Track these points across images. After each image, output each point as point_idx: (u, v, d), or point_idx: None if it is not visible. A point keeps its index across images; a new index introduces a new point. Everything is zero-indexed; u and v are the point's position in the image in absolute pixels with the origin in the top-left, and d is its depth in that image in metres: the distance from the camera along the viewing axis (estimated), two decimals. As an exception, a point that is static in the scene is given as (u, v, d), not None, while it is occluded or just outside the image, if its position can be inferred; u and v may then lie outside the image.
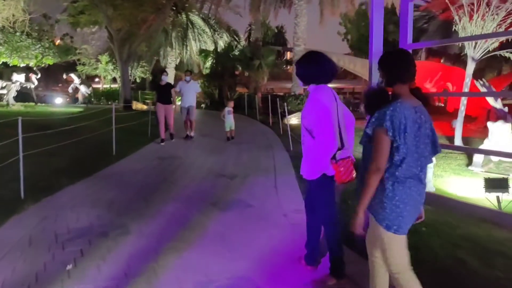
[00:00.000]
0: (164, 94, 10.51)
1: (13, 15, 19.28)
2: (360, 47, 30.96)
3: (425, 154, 2.33)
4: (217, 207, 5.38)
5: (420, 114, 2.28)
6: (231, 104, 11.95)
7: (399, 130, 2.20)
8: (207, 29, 29.79)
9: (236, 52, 26.12)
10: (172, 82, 35.90)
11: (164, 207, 5.33)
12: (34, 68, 23.29)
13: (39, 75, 22.28)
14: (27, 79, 20.84)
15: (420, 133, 2.27)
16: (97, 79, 39.16)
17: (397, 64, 2.37)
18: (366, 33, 30.17)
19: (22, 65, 23.37)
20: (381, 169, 2.26)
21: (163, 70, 11.27)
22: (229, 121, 11.47)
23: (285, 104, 15.79)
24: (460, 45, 26.77)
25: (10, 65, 22.52)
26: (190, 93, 11.19)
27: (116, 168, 7.66)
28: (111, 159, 8.15)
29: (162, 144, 10.31)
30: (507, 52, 10.47)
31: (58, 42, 30.00)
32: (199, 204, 5.48)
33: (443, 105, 23.93)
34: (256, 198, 5.80)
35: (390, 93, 2.40)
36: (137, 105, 23.33)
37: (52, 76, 37.37)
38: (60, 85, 40.99)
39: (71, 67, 31.52)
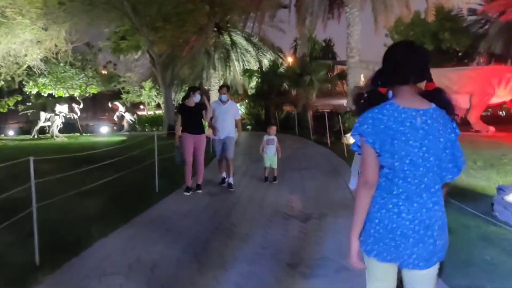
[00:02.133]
0: (194, 119, 7.12)
1: (56, 46, 18.99)
2: (412, 57, 28.72)
3: (434, 169, 1.86)
4: (298, 271, 3.81)
5: (427, 119, 1.84)
6: (273, 130, 8.18)
7: (381, 137, 1.84)
8: (250, 48, 28.85)
9: (282, 70, 24.83)
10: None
11: (224, 272, 3.82)
12: (77, 98, 22.98)
13: (81, 105, 21.92)
14: (71, 109, 20.45)
15: (428, 142, 1.84)
16: (142, 106, 39.10)
17: (396, 59, 1.93)
18: (416, 41, 27.78)
19: (66, 95, 23.15)
20: (369, 182, 1.89)
21: (193, 87, 7.91)
22: (270, 154, 7.95)
23: (340, 121, 14.19)
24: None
25: (56, 96, 22.31)
26: (227, 119, 7.56)
27: (158, 209, 6.24)
28: (153, 198, 6.77)
29: (187, 194, 7.06)
30: None
31: (102, 71, 30.00)
32: (272, 266, 3.93)
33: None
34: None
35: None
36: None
37: (99, 105, 37.69)
38: (107, 114, 41.32)
39: (116, 95, 31.43)
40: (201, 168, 7.29)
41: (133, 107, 33.49)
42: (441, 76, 19.20)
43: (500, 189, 5.35)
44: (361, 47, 19.29)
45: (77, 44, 20.10)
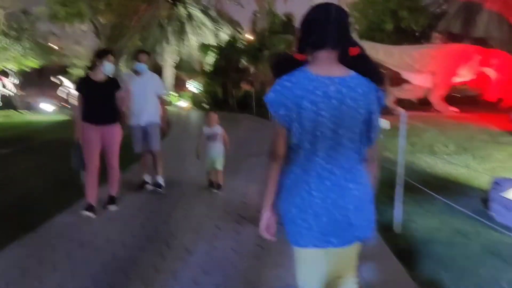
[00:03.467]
0: (101, 101, 4.68)
1: (-16, 12, 16.71)
2: (371, 36, 28.37)
3: (347, 142, 1.72)
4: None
5: (343, 88, 1.68)
6: (214, 119, 5.66)
7: (287, 106, 1.68)
8: (207, 22, 27.19)
9: (240, 45, 23.46)
10: (165, 83, 33.33)
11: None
12: (10, 71, 20.61)
13: (13, 79, 19.62)
14: (2, 84, 18.21)
15: (340, 113, 1.67)
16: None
17: (310, 23, 1.79)
18: (377, 20, 27.76)
19: (4, 69, 20.74)
20: (275, 153, 1.78)
21: (103, 50, 5.78)
22: (213, 154, 5.58)
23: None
24: (485, 29, 24.41)
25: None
26: (147, 96, 5.42)
27: (73, 217, 4.67)
28: (72, 196, 5.25)
29: (89, 215, 4.55)
30: None
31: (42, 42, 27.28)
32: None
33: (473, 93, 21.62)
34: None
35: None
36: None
37: (47, 81, 34.74)
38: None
39: (65, 70, 28.75)
40: (114, 173, 4.90)
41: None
42: (403, 54, 18.58)
43: (496, 183, 4.46)
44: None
45: (10, 10, 17.77)
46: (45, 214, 4.60)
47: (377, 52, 19.37)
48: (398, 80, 20.38)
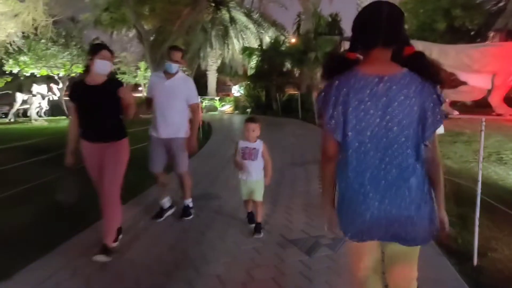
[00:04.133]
0: (95, 111, 3.60)
1: (34, 19, 17.10)
2: (423, 37, 26.97)
3: (402, 140, 1.66)
4: None
5: (393, 85, 1.64)
6: (255, 129, 4.04)
7: (335, 107, 1.69)
8: (250, 25, 26.84)
9: (284, 48, 22.87)
10: (209, 88, 33.00)
11: None
12: (56, 78, 21.10)
13: (61, 85, 20.05)
14: (50, 90, 18.62)
15: (392, 110, 1.64)
16: (140, 88, 37.21)
17: (361, 21, 1.76)
18: (427, 20, 26.56)
19: (53, 75, 21.29)
20: (327, 154, 1.79)
21: (96, 44, 4.02)
22: (250, 177, 4.09)
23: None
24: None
25: (38, 75, 20.43)
26: (174, 104, 4.41)
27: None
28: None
29: (102, 259, 3.49)
30: None
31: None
32: None
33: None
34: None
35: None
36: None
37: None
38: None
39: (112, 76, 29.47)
40: (111, 210, 3.61)
41: (132, 90, 31.58)
42: (460, 54, 17.25)
43: None
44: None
45: (58, 17, 18.17)
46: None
47: (431, 52, 18.07)
48: (454, 82, 19.08)
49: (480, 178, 3.28)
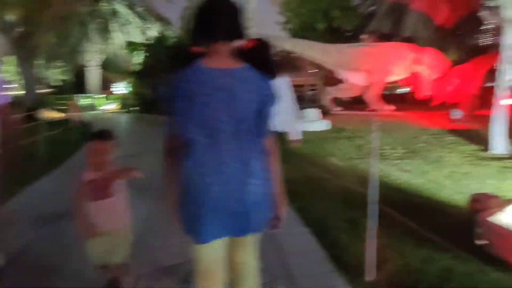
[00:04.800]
0: None
1: None
2: (305, 36, 28.19)
3: (242, 134, 1.73)
4: None
5: (234, 79, 1.71)
6: (102, 152, 2.44)
7: (181, 100, 1.69)
8: (133, 19, 25.32)
9: (171, 42, 22.00)
10: (97, 84, 30.26)
11: None
12: None
13: None
14: None
15: (232, 106, 1.69)
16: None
17: (201, 16, 1.78)
18: (309, 20, 27.88)
19: None
20: (170, 148, 1.81)
21: None
22: (104, 232, 2.47)
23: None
24: (413, 28, 25.07)
25: None
26: None
27: None
28: None
29: None
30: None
31: None
32: None
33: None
34: None
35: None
36: (50, 114, 18.47)
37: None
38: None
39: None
40: None
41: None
42: (340, 53, 18.24)
43: (476, 201, 3.69)
44: (259, 18, 17.36)
45: None
46: None
47: (314, 50, 18.97)
48: (334, 79, 20.13)
49: (375, 184, 3.06)
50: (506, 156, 7.33)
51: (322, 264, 3.21)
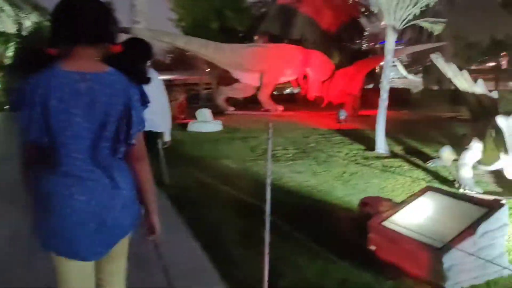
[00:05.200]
0: None
1: None
2: (198, 35, 27.83)
3: (105, 140, 1.63)
4: None
5: (95, 84, 1.59)
6: None
7: (31, 107, 1.53)
8: (5, 6, 22.46)
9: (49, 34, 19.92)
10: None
11: None
12: None
13: None
14: None
15: (94, 111, 1.59)
16: None
17: (60, 15, 1.62)
18: (202, 18, 27.70)
19: None
20: (26, 159, 1.66)
21: None
22: None
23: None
24: (301, 31, 26.28)
25: None
26: None
27: None
28: None
29: None
30: (423, 21, 8.13)
31: None
32: None
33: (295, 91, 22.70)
34: None
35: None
36: None
37: None
38: None
39: None
40: None
41: None
42: (235, 52, 18.19)
43: (365, 205, 3.69)
44: (149, 13, 16.49)
45: None
46: None
47: (208, 49, 18.61)
48: (230, 79, 20.04)
49: (268, 197, 2.82)
50: (387, 155, 7.79)
51: (213, 286, 2.88)
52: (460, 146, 6.40)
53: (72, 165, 1.59)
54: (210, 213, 4.24)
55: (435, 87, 27.77)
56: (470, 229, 2.87)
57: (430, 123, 14.30)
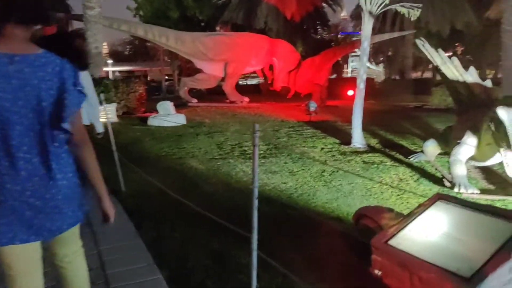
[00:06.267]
0: None
1: None
2: (158, 23, 26.64)
3: (38, 125, 1.57)
4: None
5: (25, 67, 1.53)
6: None
7: None
8: None
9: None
10: None
11: None
12: None
13: None
14: None
15: (25, 95, 1.53)
16: None
17: None
18: (162, 7, 26.76)
19: None
20: None
21: None
22: None
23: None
24: (264, 20, 25.70)
25: None
26: None
27: None
28: None
29: None
30: (400, 5, 7.64)
31: None
32: None
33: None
34: None
35: None
36: None
37: None
38: None
39: None
40: None
41: None
42: (196, 41, 17.22)
43: (364, 216, 3.09)
44: (107, 2, 15.24)
45: None
46: None
47: (168, 38, 17.56)
48: (191, 70, 19.13)
49: (255, 205, 2.15)
50: (365, 150, 7.29)
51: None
52: (443, 139, 5.98)
53: (4, 151, 1.52)
54: (175, 231, 3.51)
55: (397, 77, 28.02)
56: (505, 251, 2.31)
57: (399, 113, 14.08)
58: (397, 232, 2.77)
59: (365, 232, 3.08)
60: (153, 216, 3.87)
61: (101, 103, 5.36)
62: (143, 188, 4.78)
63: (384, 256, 2.69)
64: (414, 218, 2.84)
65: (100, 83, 11.92)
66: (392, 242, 2.71)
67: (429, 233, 2.68)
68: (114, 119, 11.02)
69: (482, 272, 2.24)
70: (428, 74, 33.24)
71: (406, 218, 2.89)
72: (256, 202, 2.15)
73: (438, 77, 25.52)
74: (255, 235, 2.12)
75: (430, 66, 32.86)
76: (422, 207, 2.94)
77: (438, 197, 2.97)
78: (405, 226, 2.80)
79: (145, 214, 3.94)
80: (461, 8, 21.88)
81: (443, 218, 2.76)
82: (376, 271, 2.71)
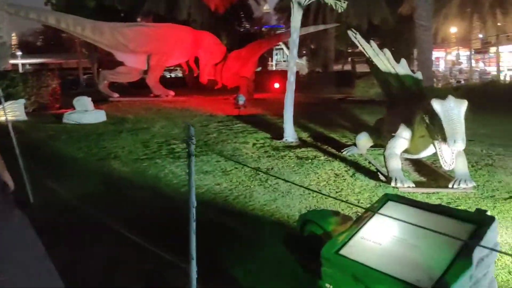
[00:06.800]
0: None
1: None
2: (72, 13, 24.66)
3: None
4: None
5: None
6: None
7: None
8: None
9: None
10: None
11: None
12: None
13: None
14: None
15: None
16: None
17: None
18: None
19: None
20: None
21: None
22: None
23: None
24: (188, 11, 24.97)
25: None
26: None
27: None
28: None
29: None
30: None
31: None
32: None
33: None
34: None
35: None
36: None
37: None
38: None
39: None
40: None
41: None
42: (116, 32, 16.11)
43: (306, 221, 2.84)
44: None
45: None
46: None
47: (84, 28, 16.25)
48: (113, 62, 17.90)
49: (193, 216, 1.77)
50: (297, 144, 7.15)
51: None
52: (375, 132, 5.98)
53: None
54: (95, 252, 3.01)
55: (320, 70, 28.71)
56: (464, 258, 2.15)
57: (325, 105, 14.28)
58: (348, 240, 2.53)
59: (312, 240, 2.83)
60: (68, 233, 3.32)
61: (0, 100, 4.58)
62: (56, 198, 4.16)
63: (335, 268, 2.45)
64: (365, 223, 2.63)
65: (5, 76, 10.66)
66: (343, 251, 2.47)
67: (383, 239, 2.48)
68: (23, 117, 9.92)
69: (443, 283, 2.07)
70: (348, 67, 34.45)
71: (356, 223, 2.67)
72: (194, 225, 1.77)
73: (359, 69, 26.55)
74: (194, 266, 1.75)
75: (350, 59, 34.30)
76: (371, 211, 2.74)
77: (387, 198, 2.79)
78: (355, 233, 2.57)
79: (58, 231, 3.37)
80: (377, 3, 22.90)
81: (395, 222, 2.57)
82: (328, 286, 2.46)
